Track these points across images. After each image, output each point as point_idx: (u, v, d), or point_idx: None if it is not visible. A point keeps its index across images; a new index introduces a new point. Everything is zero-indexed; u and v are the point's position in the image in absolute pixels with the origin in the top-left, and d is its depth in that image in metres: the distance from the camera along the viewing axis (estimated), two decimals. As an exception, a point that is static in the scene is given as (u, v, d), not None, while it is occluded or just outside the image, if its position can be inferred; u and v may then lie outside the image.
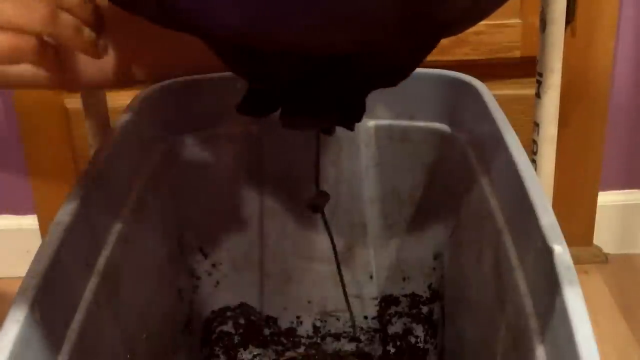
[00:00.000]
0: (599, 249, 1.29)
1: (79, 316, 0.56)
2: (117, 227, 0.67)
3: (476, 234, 0.73)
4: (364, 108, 0.65)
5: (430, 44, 0.56)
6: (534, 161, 0.79)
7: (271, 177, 0.87)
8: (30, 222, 1.27)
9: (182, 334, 0.84)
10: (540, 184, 0.60)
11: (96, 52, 0.57)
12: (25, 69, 0.58)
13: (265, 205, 0.88)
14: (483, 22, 1.10)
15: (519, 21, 1.11)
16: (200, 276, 0.90)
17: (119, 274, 0.65)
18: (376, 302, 0.91)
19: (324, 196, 0.79)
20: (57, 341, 0.53)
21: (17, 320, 0.47)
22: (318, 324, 0.93)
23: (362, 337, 0.93)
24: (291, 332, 0.93)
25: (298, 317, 0.92)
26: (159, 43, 0.66)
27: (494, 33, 1.11)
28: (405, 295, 0.92)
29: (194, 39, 0.51)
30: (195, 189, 0.85)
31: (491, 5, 0.51)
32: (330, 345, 0.94)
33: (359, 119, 0.66)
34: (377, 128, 0.85)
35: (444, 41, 1.15)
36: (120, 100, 0.88)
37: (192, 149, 0.84)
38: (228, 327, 0.93)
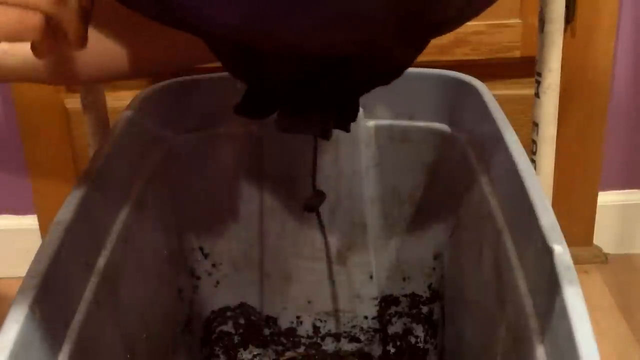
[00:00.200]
0: (599, 249, 1.29)
1: (79, 316, 0.56)
2: (117, 227, 0.67)
3: (476, 234, 0.73)
4: (358, 107, 0.65)
5: (425, 43, 0.56)
6: (533, 161, 0.79)
7: (271, 177, 0.87)
8: (30, 222, 1.27)
9: (182, 334, 0.84)
10: (540, 184, 0.60)
11: (84, 43, 0.56)
12: (26, 56, 0.58)
13: (265, 205, 0.88)
14: (483, 22, 1.10)
15: (519, 21, 1.11)
16: (200, 276, 0.90)
17: (119, 274, 0.65)
18: (376, 302, 0.91)
19: (320, 196, 0.78)
20: (57, 341, 0.53)
21: (17, 320, 0.47)
22: (318, 324, 0.93)
23: (362, 337, 0.93)
24: (291, 332, 0.93)
25: (298, 317, 0.92)
26: (155, 38, 0.66)
27: (494, 33, 1.11)
28: (405, 295, 0.92)
29: (190, 36, 0.51)
30: (195, 189, 0.85)
31: (483, 4, 0.51)
32: (330, 345, 0.94)
33: (353, 119, 0.66)
34: (377, 128, 0.85)
35: (444, 41, 1.16)
36: (120, 100, 0.88)
37: (192, 149, 0.84)
38: (228, 327, 0.93)
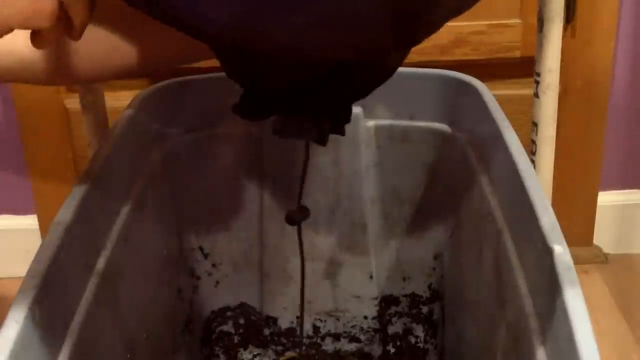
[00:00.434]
0: (599, 249, 1.29)
1: (79, 316, 0.56)
2: (117, 227, 0.67)
3: (476, 234, 0.73)
4: (351, 109, 0.65)
5: (415, 44, 0.56)
6: (532, 161, 0.79)
7: (271, 177, 0.87)
8: (30, 222, 1.27)
9: (182, 334, 0.84)
10: (540, 184, 0.60)
11: (80, 35, 0.56)
12: (22, 55, 0.58)
13: (265, 205, 0.88)
14: (483, 22, 1.10)
15: (519, 21, 1.11)
16: (200, 276, 0.90)
17: (119, 274, 0.65)
18: (376, 302, 0.91)
19: (303, 212, 0.78)
20: (57, 341, 0.53)
21: (17, 320, 0.47)
22: (318, 324, 0.93)
23: (362, 337, 0.93)
24: (291, 332, 0.93)
25: (298, 317, 0.92)
26: (154, 35, 0.66)
27: (494, 33, 1.11)
28: (405, 295, 0.92)
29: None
30: (195, 189, 0.85)
31: (469, 4, 0.51)
32: (330, 345, 0.94)
33: (347, 121, 0.66)
34: (377, 128, 0.85)
35: (444, 41, 1.16)
36: (119, 100, 0.88)
37: (192, 149, 0.84)
38: (228, 327, 0.93)
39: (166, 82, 0.82)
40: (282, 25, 0.44)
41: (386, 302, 0.92)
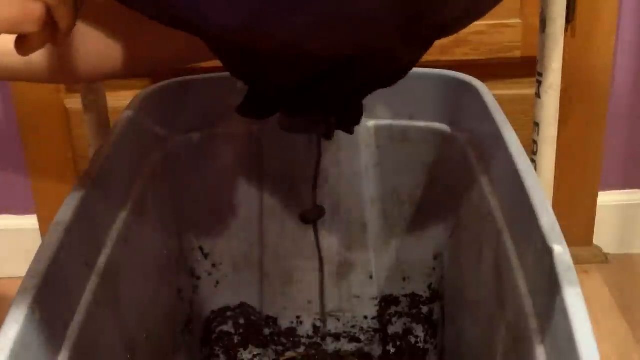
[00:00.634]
0: (599, 249, 1.29)
1: (79, 316, 0.56)
2: (117, 227, 0.67)
3: (476, 234, 0.73)
4: (362, 110, 0.65)
5: (429, 45, 0.56)
6: (533, 161, 0.78)
7: (271, 177, 0.87)
8: (30, 222, 1.27)
9: (182, 334, 0.84)
10: (540, 184, 0.60)
11: (65, 40, 0.56)
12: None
13: (265, 205, 0.88)
14: (483, 22, 1.10)
15: (519, 21, 1.10)
16: (200, 276, 0.90)
17: (119, 274, 0.65)
18: (376, 302, 0.91)
19: (319, 211, 0.78)
20: (57, 341, 0.52)
21: (17, 320, 0.47)
22: (318, 324, 0.93)
23: (362, 337, 0.93)
24: (291, 332, 0.93)
25: (298, 317, 0.92)
26: (155, 35, 0.66)
27: (494, 33, 1.11)
28: (405, 295, 0.92)
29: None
30: (195, 189, 0.85)
31: (487, 6, 0.51)
32: (330, 345, 0.94)
33: (357, 122, 0.65)
34: (377, 128, 0.85)
35: (443, 41, 1.15)
36: (120, 100, 0.88)
37: (192, 149, 0.84)
38: (228, 327, 0.93)
39: (166, 82, 0.82)
40: (285, 25, 0.44)
41: (386, 302, 0.92)
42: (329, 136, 0.65)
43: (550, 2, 0.73)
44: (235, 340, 0.93)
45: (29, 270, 0.52)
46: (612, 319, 1.16)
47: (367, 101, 0.64)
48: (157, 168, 0.79)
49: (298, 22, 0.44)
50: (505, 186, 0.67)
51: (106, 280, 0.62)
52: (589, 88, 1.17)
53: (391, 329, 0.93)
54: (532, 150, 0.79)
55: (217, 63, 0.62)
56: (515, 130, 0.68)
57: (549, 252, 0.52)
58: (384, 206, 0.88)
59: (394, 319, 0.92)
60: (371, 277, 0.90)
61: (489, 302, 0.66)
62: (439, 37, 0.53)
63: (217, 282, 0.91)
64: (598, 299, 1.20)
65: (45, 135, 1.20)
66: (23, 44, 0.47)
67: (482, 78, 0.80)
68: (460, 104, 0.80)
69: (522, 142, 0.66)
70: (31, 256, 0.53)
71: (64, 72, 0.63)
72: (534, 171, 0.62)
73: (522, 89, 1.13)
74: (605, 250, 1.30)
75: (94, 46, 0.63)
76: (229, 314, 0.92)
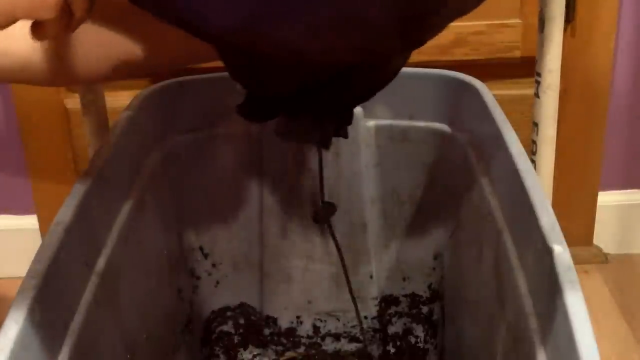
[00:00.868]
0: (599, 249, 1.29)
1: (78, 316, 0.56)
2: (117, 227, 0.67)
3: (476, 234, 0.73)
4: (352, 112, 0.65)
5: (419, 46, 0.56)
6: (533, 161, 0.79)
7: (271, 177, 0.87)
8: (30, 222, 1.27)
9: (182, 334, 0.84)
10: (540, 184, 0.60)
11: (77, 27, 0.56)
12: (21, 55, 0.58)
13: (265, 205, 0.88)
14: (483, 22, 1.10)
15: (519, 21, 1.10)
16: (200, 276, 0.90)
17: (119, 274, 0.65)
18: (376, 302, 0.91)
19: (329, 208, 0.78)
20: (57, 341, 0.53)
21: (17, 320, 0.47)
22: (318, 324, 0.93)
23: (362, 337, 0.93)
24: (291, 332, 0.93)
25: (298, 317, 0.92)
26: (152, 37, 0.66)
27: (494, 33, 1.11)
28: (405, 295, 0.92)
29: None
30: (195, 189, 0.85)
31: (474, 3, 0.51)
32: (330, 345, 0.94)
33: (349, 123, 0.65)
34: (377, 128, 0.85)
35: (444, 41, 1.16)
36: (119, 100, 0.88)
37: (192, 149, 0.84)
38: (228, 327, 0.93)
39: (166, 82, 0.82)
40: (283, 26, 0.44)
41: (386, 302, 0.92)
42: (326, 145, 0.65)
43: (549, 2, 0.73)
44: (235, 340, 0.93)
45: (29, 270, 0.52)
46: (612, 319, 1.16)
47: (367, 101, 0.64)
48: (157, 168, 0.79)
49: (296, 24, 0.44)
50: (505, 186, 0.67)
51: (106, 280, 0.62)
52: (589, 88, 1.17)
53: (391, 329, 0.93)
54: (531, 151, 0.79)
55: (217, 63, 0.62)
56: (515, 130, 0.68)
57: (549, 252, 0.52)
58: (384, 206, 0.88)
59: (394, 319, 0.92)
60: (371, 277, 0.90)
61: (489, 302, 0.66)
62: (431, 38, 0.53)
63: (217, 282, 0.91)
64: (598, 299, 1.20)
65: (45, 135, 1.20)
66: (38, 30, 0.48)
67: (482, 78, 0.80)
68: (460, 104, 0.80)
69: (522, 142, 0.66)
70: (31, 256, 0.53)
71: (62, 74, 0.62)
72: (534, 171, 0.62)
73: (521, 89, 1.13)
74: (605, 250, 1.30)
75: (94, 47, 0.63)
76: (229, 314, 0.92)
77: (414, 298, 0.91)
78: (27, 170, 1.23)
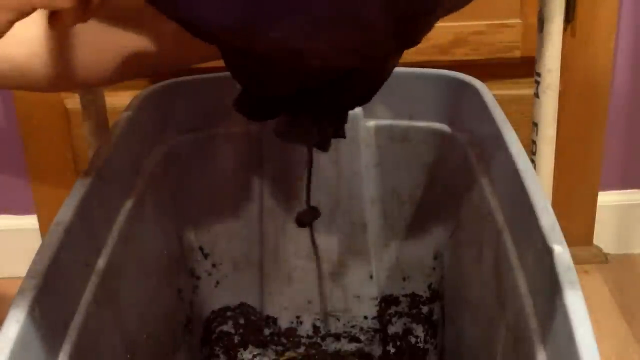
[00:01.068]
0: (599, 249, 1.29)
1: (79, 316, 0.56)
2: (117, 227, 0.67)
3: (476, 234, 0.73)
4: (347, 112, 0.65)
5: (417, 44, 0.56)
6: (533, 161, 0.79)
7: (271, 177, 0.87)
8: (30, 222, 1.27)
9: (182, 334, 0.84)
10: (540, 184, 0.60)
11: (90, 17, 0.56)
12: (19, 62, 0.58)
13: (265, 205, 0.88)
14: (483, 22, 1.10)
15: (519, 21, 1.11)
16: (200, 276, 0.90)
17: (119, 274, 0.65)
18: (376, 302, 0.91)
19: (313, 212, 0.78)
20: (57, 341, 0.53)
21: (17, 320, 0.47)
22: (318, 324, 0.93)
23: (362, 337, 0.93)
24: (291, 332, 0.93)
25: (298, 317, 0.92)
26: (151, 39, 0.66)
27: (494, 33, 1.11)
28: (405, 295, 0.92)
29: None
30: (195, 189, 0.85)
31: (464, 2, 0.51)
32: (330, 345, 0.94)
33: (345, 121, 0.66)
34: (377, 128, 0.85)
35: (444, 41, 1.16)
36: (120, 100, 0.88)
37: (192, 149, 0.84)
38: (228, 327, 0.93)
39: (166, 82, 0.82)
40: (278, 25, 0.44)
41: (386, 302, 0.92)
42: (324, 147, 0.65)
43: (548, 1, 0.73)
44: (235, 340, 0.93)
45: (29, 270, 0.52)
46: (612, 319, 1.16)
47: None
48: (157, 168, 0.79)
49: (291, 24, 0.44)
50: (505, 186, 0.67)
51: (106, 280, 0.62)
52: (589, 88, 1.17)
53: (391, 329, 0.93)
54: (531, 150, 0.79)
55: (217, 63, 0.62)
56: (515, 130, 0.68)
57: (549, 252, 0.52)
58: (384, 206, 0.88)
59: (394, 319, 0.92)
60: (371, 277, 0.90)
61: (489, 302, 0.66)
62: (424, 36, 0.53)
63: (217, 282, 0.91)
64: (598, 299, 1.20)
65: (45, 135, 1.20)
66: (56, 20, 0.47)
67: (482, 78, 0.80)
68: (460, 104, 0.80)
69: (521, 142, 0.66)
70: (31, 256, 0.53)
71: (61, 79, 0.62)
72: (534, 171, 0.62)
73: (521, 89, 1.13)
74: (605, 250, 1.30)
75: (92, 51, 0.63)
76: (229, 314, 0.93)
77: (414, 298, 0.91)
78: (27, 170, 1.23)
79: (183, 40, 0.64)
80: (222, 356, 0.93)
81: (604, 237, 1.29)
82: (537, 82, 0.77)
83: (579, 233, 1.27)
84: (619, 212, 1.29)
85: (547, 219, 0.55)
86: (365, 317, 0.92)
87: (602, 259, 1.29)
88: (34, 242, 1.16)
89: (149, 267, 0.75)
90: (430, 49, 1.09)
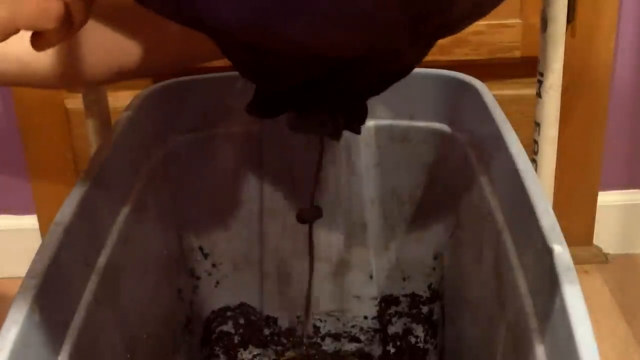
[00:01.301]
0: (599, 249, 1.29)
1: (79, 316, 0.56)
2: (117, 227, 0.67)
3: (476, 234, 0.73)
4: (367, 109, 0.65)
5: (433, 44, 0.56)
6: (534, 161, 0.79)
7: (271, 177, 0.87)
8: (30, 222, 1.27)
9: (182, 334, 0.84)
10: (540, 184, 0.60)
11: (74, 34, 0.56)
12: (21, 59, 0.58)
13: (265, 205, 0.88)
14: (483, 22, 1.10)
15: (519, 21, 1.11)
16: (200, 276, 0.90)
17: (119, 274, 0.65)
18: (376, 302, 0.91)
19: (316, 211, 0.78)
20: (57, 341, 0.52)
21: (17, 320, 0.47)
22: (318, 324, 0.93)
23: (362, 337, 0.93)
24: (291, 332, 0.93)
25: (298, 317, 0.92)
26: (154, 38, 0.66)
27: (494, 33, 1.11)
28: (405, 295, 0.92)
29: (197, 33, 0.51)
30: (195, 189, 0.85)
31: (491, 6, 0.51)
32: (330, 345, 0.94)
33: (363, 121, 0.65)
34: (377, 128, 0.85)
35: (443, 41, 1.15)
36: (120, 100, 0.88)
37: (192, 149, 0.84)
38: (228, 327, 0.93)
39: (166, 82, 0.82)
40: (293, 22, 0.44)
41: (386, 302, 0.92)
42: (337, 137, 0.65)
43: (552, 2, 0.73)
44: (235, 340, 0.93)
45: (29, 270, 0.52)
46: (612, 319, 1.16)
47: (368, 101, 0.64)
48: (157, 168, 0.79)
49: (306, 20, 0.44)
50: (505, 186, 0.67)
51: (106, 280, 0.62)
52: (590, 88, 1.17)
53: (391, 329, 0.93)
54: (532, 150, 0.79)
55: (217, 63, 0.62)
56: (515, 130, 0.68)
57: (549, 252, 0.52)
58: (384, 206, 0.88)
59: (394, 319, 0.92)
60: (371, 277, 0.90)
61: (489, 302, 0.66)
62: (443, 37, 0.53)
63: (217, 282, 0.91)
64: (598, 299, 1.20)
65: (45, 135, 1.20)
66: (39, 41, 0.47)
67: (482, 78, 0.80)
68: (460, 104, 0.80)
69: (522, 142, 0.66)
70: (31, 256, 0.53)
71: (63, 77, 0.62)
72: (534, 171, 0.62)
73: (522, 89, 1.13)
74: (605, 250, 1.30)
75: (95, 50, 0.63)
76: (229, 314, 0.93)
77: (414, 298, 0.91)
78: (27, 170, 1.23)
79: (189, 39, 0.64)
80: (222, 356, 0.93)
81: (604, 237, 1.29)
82: (540, 82, 0.76)
83: (579, 233, 1.27)
84: (619, 212, 1.29)
85: (547, 219, 0.55)
86: (365, 317, 0.92)
87: (602, 259, 1.29)
88: (34, 242, 1.16)
89: (149, 267, 0.75)
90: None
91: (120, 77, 0.67)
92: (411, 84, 0.82)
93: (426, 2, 0.45)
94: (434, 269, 0.89)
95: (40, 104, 1.18)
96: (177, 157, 0.83)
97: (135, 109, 0.76)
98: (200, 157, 0.85)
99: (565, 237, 0.53)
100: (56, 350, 0.52)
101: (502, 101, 0.75)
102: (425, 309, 0.91)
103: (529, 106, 0.80)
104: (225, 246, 0.89)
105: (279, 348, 0.93)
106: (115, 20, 0.63)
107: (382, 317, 0.92)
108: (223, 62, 0.59)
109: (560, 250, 0.51)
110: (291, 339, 0.93)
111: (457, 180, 0.80)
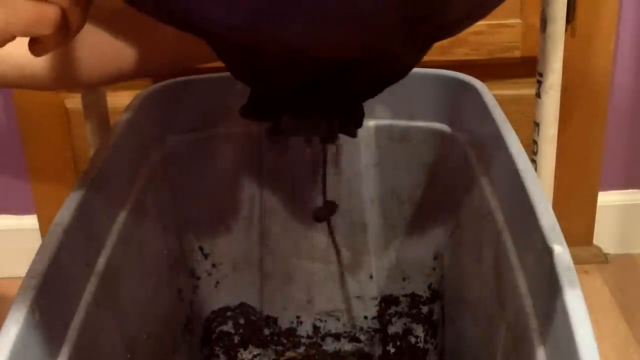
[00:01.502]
0: (599, 249, 1.29)
1: (78, 316, 0.56)
2: (117, 227, 0.67)
3: (476, 234, 0.73)
4: (363, 112, 0.65)
5: (430, 46, 0.56)
6: (534, 161, 0.79)
7: (271, 177, 0.87)
8: (30, 222, 1.27)
9: (182, 334, 0.84)
10: (540, 184, 0.60)
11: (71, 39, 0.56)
12: (21, 62, 0.58)
13: (265, 205, 0.88)
14: (483, 22, 1.10)
15: (519, 21, 1.11)
16: (200, 276, 0.90)
17: (119, 274, 0.65)
18: (376, 302, 0.91)
19: (330, 206, 0.78)
20: (57, 341, 0.52)
21: (17, 320, 0.47)
22: (318, 324, 0.93)
23: (362, 337, 0.93)
24: (291, 332, 0.93)
25: (298, 317, 0.92)
26: (152, 39, 0.66)
27: (494, 33, 1.11)
28: (405, 295, 0.92)
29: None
30: (195, 189, 0.85)
31: (489, 8, 0.51)
32: (330, 345, 0.94)
33: (359, 124, 0.65)
34: (377, 128, 0.85)
35: (443, 41, 1.15)
36: (120, 100, 0.88)
37: (192, 149, 0.84)
38: (228, 327, 0.93)
39: (166, 82, 0.82)
40: (288, 25, 0.44)
41: (386, 302, 0.92)
42: (332, 140, 0.64)
43: (551, 2, 0.73)
44: (235, 340, 0.93)
45: (29, 270, 0.52)
46: (612, 319, 1.16)
47: (367, 101, 0.64)
48: (157, 168, 0.79)
49: (300, 23, 0.44)
50: (505, 186, 0.67)
51: (106, 280, 0.61)
52: (589, 88, 1.17)
53: (391, 329, 0.93)
54: (532, 150, 0.79)
55: (217, 63, 0.62)
56: (515, 130, 0.68)
57: (549, 252, 0.52)
58: (384, 206, 0.88)
59: (394, 319, 0.92)
60: (371, 277, 0.90)
61: (489, 302, 0.66)
62: (442, 38, 0.53)
63: (217, 282, 0.91)
64: (598, 299, 1.20)
65: (45, 135, 1.20)
66: (36, 46, 0.47)
67: (482, 78, 0.80)
68: (460, 104, 0.80)
69: (521, 142, 0.66)
70: (31, 256, 0.53)
71: (62, 78, 0.63)
72: (534, 171, 0.62)
73: (521, 89, 1.13)
74: (605, 250, 1.30)
75: (94, 52, 0.63)
76: (229, 314, 0.92)
77: (414, 298, 0.91)
78: (27, 170, 1.23)
79: (185, 41, 0.64)
80: (222, 356, 0.93)
81: (604, 237, 1.29)
82: (539, 82, 0.76)
83: (579, 233, 1.27)
84: (619, 212, 1.29)
85: (547, 219, 0.55)
86: (365, 317, 0.92)
87: (602, 259, 1.29)
88: (34, 242, 1.16)
89: (149, 267, 0.75)
90: (430, 48, 1.09)
91: (118, 79, 0.67)
92: (411, 84, 0.82)
93: (425, 3, 0.45)
94: (434, 269, 0.89)
95: (40, 104, 1.18)
96: (177, 158, 0.83)
97: (134, 109, 0.76)
98: (199, 157, 0.85)
99: (565, 237, 0.53)
100: (56, 350, 0.52)
101: (502, 101, 0.75)
102: (425, 309, 0.91)
103: (529, 106, 0.80)
104: (225, 246, 0.89)
105: (279, 348, 0.93)
106: (112, 23, 0.63)
107: (382, 317, 0.92)
108: (221, 62, 0.59)
109: (560, 250, 0.51)
110: (291, 339, 0.93)
111: (457, 180, 0.80)
